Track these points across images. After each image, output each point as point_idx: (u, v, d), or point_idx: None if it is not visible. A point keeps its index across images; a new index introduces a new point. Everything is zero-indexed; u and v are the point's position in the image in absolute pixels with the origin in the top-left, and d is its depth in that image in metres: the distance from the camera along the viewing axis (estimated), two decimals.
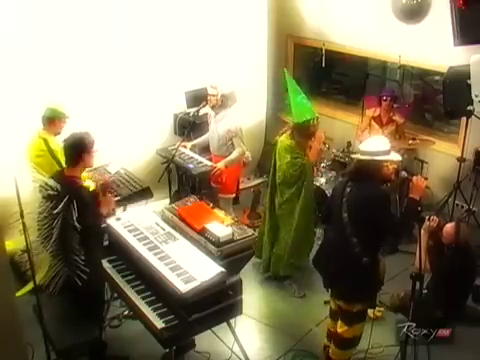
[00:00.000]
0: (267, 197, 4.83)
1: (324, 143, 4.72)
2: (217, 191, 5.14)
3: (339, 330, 3.61)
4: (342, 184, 3.54)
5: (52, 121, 4.39)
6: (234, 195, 5.29)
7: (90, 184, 4.08)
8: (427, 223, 3.89)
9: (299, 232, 4.57)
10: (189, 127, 5.43)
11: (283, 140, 4.54)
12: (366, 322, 3.65)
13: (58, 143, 4.31)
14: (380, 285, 3.57)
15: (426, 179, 3.69)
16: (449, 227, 4.13)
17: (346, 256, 3.40)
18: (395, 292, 4.25)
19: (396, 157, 3.49)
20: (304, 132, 4.45)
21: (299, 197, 4.51)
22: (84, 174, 4.12)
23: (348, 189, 3.43)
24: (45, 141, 4.36)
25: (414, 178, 3.46)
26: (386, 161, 3.42)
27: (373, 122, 5.68)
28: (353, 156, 3.62)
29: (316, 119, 4.45)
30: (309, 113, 4.42)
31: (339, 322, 3.61)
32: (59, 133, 4.42)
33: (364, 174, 3.39)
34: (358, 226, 3.34)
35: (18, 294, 4.14)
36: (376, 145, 3.40)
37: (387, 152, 3.40)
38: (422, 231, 3.76)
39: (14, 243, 4.01)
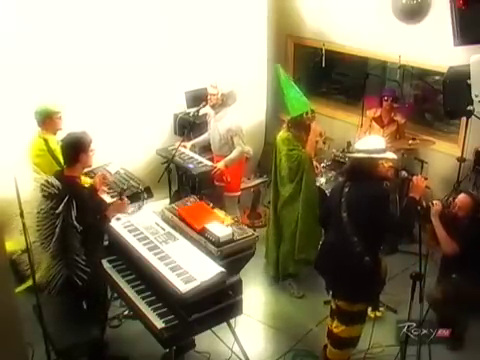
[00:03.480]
0: (271, 196, 4.82)
1: (321, 135, 4.72)
2: (222, 190, 5.14)
3: (335, 330, 3.61)
4: (340, 184, 3.55)
5: (45, 121, 4.36)
6: (240, 193, 5.29)
7: (87, 180, 4.08)
8: (434, 208, 3.86)
9: (305, 226, 4.54)
10: (189, 127, 5.44)
11: (281, 134, 4.56)
12: (366, 322, 3.65)
13: (58, 142, 4.31)
14: (382, 285, 3.57)
15: (426, 179, 3.66)
16: (462, 197, 4.06)
17: (347, 256, 3.39)
18: (432, 291, 4.04)
19: (391, 155, 3.49)
20: (300, 125, 4.48)
21: (300, 192, 4.50)
22: (86, 178, 4.13)
23: (346, 189, 3.43)
24: (45, 141, 4.35)
25: (414, 178, 3.46)
26: (381, 159, 3.43)
27: (374, 123, 5.67)
28: (349, 155, 3.64)
29: (311, 112, 4.48)
30: (303, 107, 4.45)
31: (335, 322, 3.61)
32: (59, 129, 4.40)
33: (359, 172, 3.40)
34: (358, 225, 3.34)
35: (17, 290, 4.14)
36: (371, 143, 3.42)
37: (382, 150, 3.41)
38: (432, 218, 3.76)
39: (14, 243, 4.00)
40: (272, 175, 4.76)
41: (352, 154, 3.50)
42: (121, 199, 3.73)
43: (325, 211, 3.77)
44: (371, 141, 3.47)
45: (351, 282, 3.40)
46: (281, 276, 4.83)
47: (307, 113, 4.45)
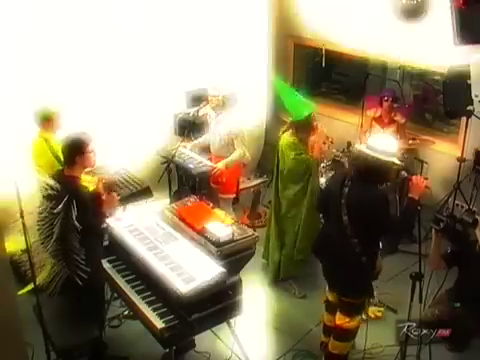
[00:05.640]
0: (272, 199, 4.82)
1: (327, 137, 4.71)
2: (217, 191, 5.14)
3: (339, 322, 3.62)
4: (340, 180, 3.49)
5: (45, 122, 4.37)
6: (234, 195, 5.29)
7: (89, 182, 4.08)
8: None
9: (306, 229, 4.54)
10: (189, 127, 5.44)
11: (286, 137, 4.54)
12: (366, 322, 3.68)
13: (59, 142, 4.31)
14: (373, 279, 3.60)
15: (426, 179, 3.59)
16: None
17: (346, 255, 3.42)
18: (429, 308, 3.81)
19: (398, 161, 3.47)
20: (305, 128, 4.46)
21: (305, 195, 4.50)
22: (87, 177, 4.12)
23: (346, 189, 3.40)
24: (46, 141, 4.37)
25: (414, 177, 3.41)
26: (394, 164, 3.40)
27: (375, 123, 5.67)
28: (363, 150, 3.37)
29: (314, 113, 4.48)
30: (307, 109, 4.44)
31: (338, 314, 3.63)
32: (60, 128, 4.41)
33: (372, 175, 3.34)
34: (358, 228, 3.34)
35: (19, 293, 4.14)
36: (388, 145, 3.35)
37: (395, 154, 3.38)
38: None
39: (14, 243, 4.00)
40: (274, 178, 4.76)
41: (366, 151, 3.34)
42: (108, 193, 3.73)
43: (323, 198, 3.75)
44: (387, 142, 3.39)
45: (348, 279, 3.45)
46: (283, 277, 4.83)
47: (312, 114, 4.44)
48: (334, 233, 3.53)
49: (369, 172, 3.34)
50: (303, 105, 4.46)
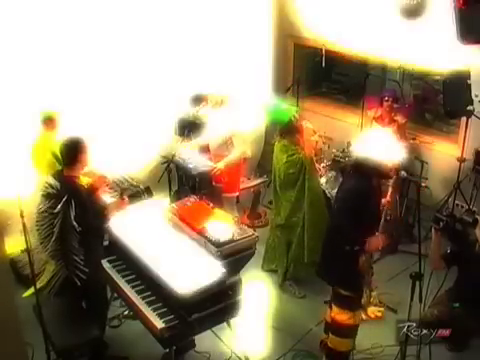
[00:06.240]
0: (274, 209, 4.82)
1: (314, 132, 4.77)
2: (221, 190, 5.15)
3: (332, 313, 3.64)
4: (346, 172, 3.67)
5: (48, 121, 4.46)
6: (238, 193, 5.30)
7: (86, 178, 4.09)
8: None
9: (312, 228, 4.54)
10: (189, 127, 5.43)
11: (277, 144, 4.63)
12: (366, 321, 3.66)
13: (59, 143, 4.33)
14: (362, 276, 3.59)
15: (426, 179, 3.60)
16: None
17: (332, 241, 3.52)
18: (429, 309, 3.79)
19: (396, 158, 3.46)
20: (291, 130, 4.53)
21: (304, 195, 4.51)
22: (85, 177, 4.13)
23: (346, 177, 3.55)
24: (48, 141, 4.38)
25: (373, 239, 3.45)
26: (386, 161, 3.42)
27: (375, 123, 5.67)
28: (354, 152, 3.55)
29: (296, 113, 4.54)
30: (286, 113, 4.52)
31: (333, 307, 3.65)
32: (60, 130, 4.44)
33: (361, 168, 3.43)
34: (341, 214, 3.44)
35: (25, 295, 4.16)
36: (377, 142, 3.41)
37: (388, 150, 3.39)
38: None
39: (14, 243, 4.01)
40: (273, 183, 4.77)
41: (356, 152, 3.48)
42: (122, 198, 3.75)
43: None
44: (377, 140, 3.46)
45: (332, 265, 3.53)
46: (289, 277, 4.82)
47: (294, 116, 4.50)
48: (330, 221, 3.68)
49: (358, 166, 3.46)
50: (282, 111, 4.55)
